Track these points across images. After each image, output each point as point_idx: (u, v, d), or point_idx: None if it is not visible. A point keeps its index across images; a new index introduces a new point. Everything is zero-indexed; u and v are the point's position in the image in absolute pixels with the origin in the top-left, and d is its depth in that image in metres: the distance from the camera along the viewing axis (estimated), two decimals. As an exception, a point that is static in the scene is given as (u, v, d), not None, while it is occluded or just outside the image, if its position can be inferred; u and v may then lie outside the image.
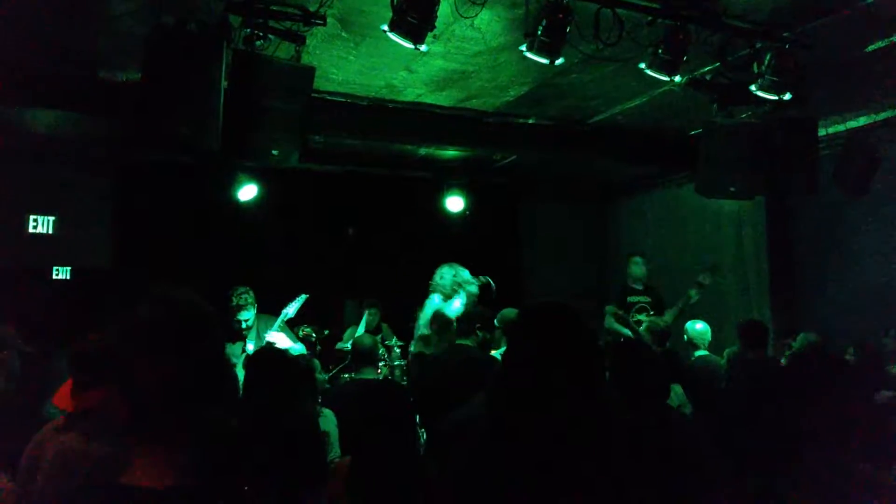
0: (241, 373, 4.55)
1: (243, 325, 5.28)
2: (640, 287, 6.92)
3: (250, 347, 5.23)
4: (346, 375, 6.08)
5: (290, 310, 5.33)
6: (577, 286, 9.04)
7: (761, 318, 6.65)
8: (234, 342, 5.28)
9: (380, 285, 7.79)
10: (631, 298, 6.86)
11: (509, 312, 5.08)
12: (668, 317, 6.29)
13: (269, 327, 5.30)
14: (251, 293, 5.35)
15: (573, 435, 1.72)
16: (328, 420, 3.91)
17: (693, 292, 6.34)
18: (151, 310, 1.47)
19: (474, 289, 5.48)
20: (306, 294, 5.44)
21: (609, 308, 6.81)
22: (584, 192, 9.61)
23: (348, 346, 6.63)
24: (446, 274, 5.45)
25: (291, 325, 5.64)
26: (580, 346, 1.80)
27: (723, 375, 5.45)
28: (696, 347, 5.87)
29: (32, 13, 4.09)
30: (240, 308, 5.27)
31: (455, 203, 8.19)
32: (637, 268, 6.91)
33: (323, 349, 6.55)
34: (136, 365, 1.41)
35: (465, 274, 5.51)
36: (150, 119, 3.84)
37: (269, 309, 5.51)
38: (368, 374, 4.44)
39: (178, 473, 1.40)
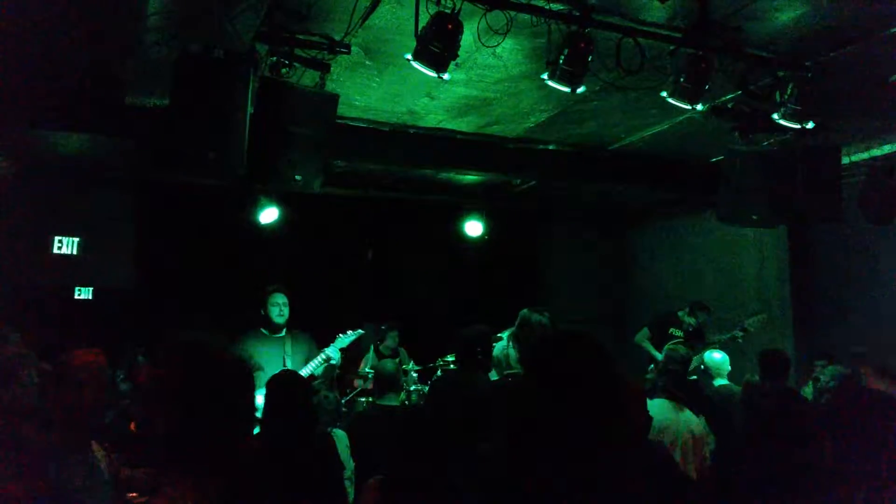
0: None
1: (277, 314, 5.35)
2: (689, 330, 6.94)
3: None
4: (363, 399, 6.08)
5: (345, 341, 5.41)
6: (595, 311, 9.00)
7: (784, 347, 6.57)
8: (271, 334, 5.36)
9: (398, 309, 7.79)
10: (674, 331, 6.92)
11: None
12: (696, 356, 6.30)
13: (304, 344, 5.36)
14: (284, 288, 5.51)
15: (591, 469, 1.70)
16: (340, 441, 3.94)
17: (738, 333, 6.35)
18: (176, 357, 1.52)
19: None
20: (363, 330, 5.52)
21: (644, 331, 7.02)
22: (604, 217, 9.59)
23: (367, 369, 6.64)
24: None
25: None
26: (602, 377, 1.78)
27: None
28: (714, 377, 5.79)
29: (62, 39, 4.19)
30: (274, 292, 5.41)
31: (474, 227, 8.21)
32: (694, 319, 6.96)
33: (340, 372, 6.55)
34: (159, 406, 1.46)
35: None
36: (177, 143, 3.90)
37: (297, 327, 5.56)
38: (390, 400, 4.46)
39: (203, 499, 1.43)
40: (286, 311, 5.40)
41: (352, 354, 7.17)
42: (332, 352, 5.31)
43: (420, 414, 4.86)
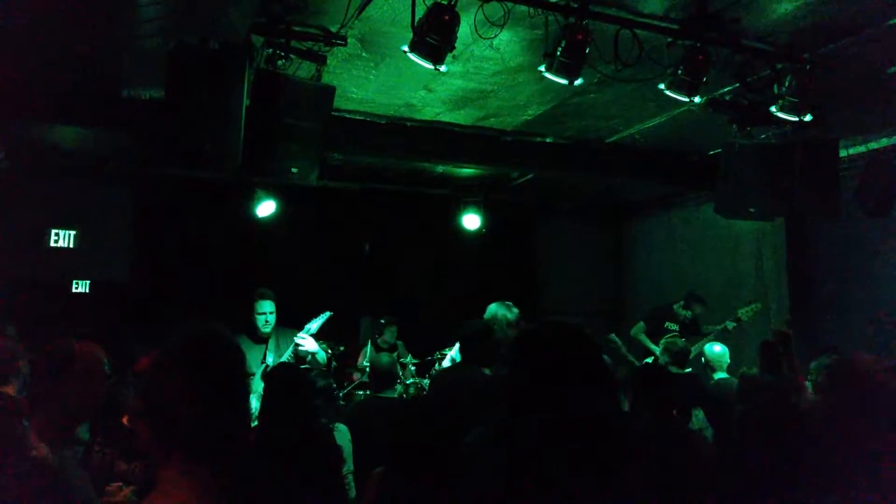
0: (258, 384, 4.56)
1: (262, 323, 5.28)
2: (685, 322, 6.96)
3: (269, 360, 5.24)
4: (361, 393, 6.09)
5: (313, 326, 5.31)
6: (593, 303, 9.01)
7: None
8: (255, 343, 5.29)
9: (396, 302, 7.79)
10: (669, 325, 6.94)
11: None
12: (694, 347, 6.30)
13: (288, 341, 5.31)
14: (272, 294, 5.40)
15: (584, 458, 1.70)
16: (342, 435, 3.93)
17: (730, 324, 6.34)
18: (181, 344, 1.51)
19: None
20: (330, 311, 5.43)
21: (640, 325, 6.99)
22: (602, 210, 9.59)
23: (365, 363, 6.64)
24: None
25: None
26: (588, 367, 1.78)
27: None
28: (714, 370, 5.80)
29: (58, 32, 4.17)
30: (260, 298, 5.30)
31: (472, 220, 8.20)
32: (689, 312, 6.95)
33: (338, 365, 6.55)
34: (164, 398, 1.45)
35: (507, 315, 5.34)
36: (173, 136, 3.89)
37: (286, 323, 5.53)
38: (387, 393, 4.46)
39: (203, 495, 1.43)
40: (272, 319, 5.30)
41: (350, 348, 7.18)
42: (300, 337, 5.23)
43: (422, 406, 4.86)
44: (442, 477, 2.69)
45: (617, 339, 6.94)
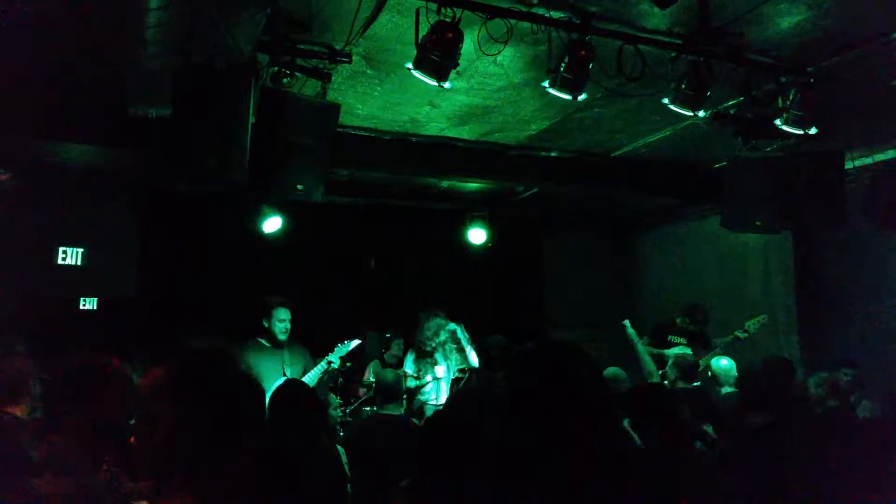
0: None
1: (282, 331, 5.40)
2: (690, 334, 6.85)
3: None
4: (368, 409, 6.07)
5: (345, 350, 5.48)
6: (599, 316, 8.95)
7: (790, 353, 6.54)
8: (272, 350, 5.37)
9: (402, 317, 7.78)
10: (673, 338, 6.85)
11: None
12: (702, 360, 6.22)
13: (301, 356, 5.38)
14: (289, 302, 5.56)
15: (582, 471, 1.70)
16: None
17: (740, 333, 6.29)
18: (171, 370, 1.52)
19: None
20: (360, 339, 5.58)
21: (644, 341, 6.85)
22: (608, 223, 9.57)
23: (371, 379, 6.63)
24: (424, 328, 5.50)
25: (315, 356, 5.69)
26: (582, 385, 1.78)
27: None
28: (721, 385, 5.74)
29: (65, 51, 4.21)
30: (279, 306, 5.48)
31: (477, 235, 8.19)
32: (693, 323, 6.85)
33: (344, 381, 6.54)
34: (162, 415, 1.46)
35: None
36: (179, 154, 3.91)
37: (293, 339, 5.57)
38: (392, 410, 4.44)
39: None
40: (289, 327, 5.44)
41: (356, 363, 7.17)
42: (333, 358, 5.36)
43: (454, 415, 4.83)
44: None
45: (630, 327, 6.69)
